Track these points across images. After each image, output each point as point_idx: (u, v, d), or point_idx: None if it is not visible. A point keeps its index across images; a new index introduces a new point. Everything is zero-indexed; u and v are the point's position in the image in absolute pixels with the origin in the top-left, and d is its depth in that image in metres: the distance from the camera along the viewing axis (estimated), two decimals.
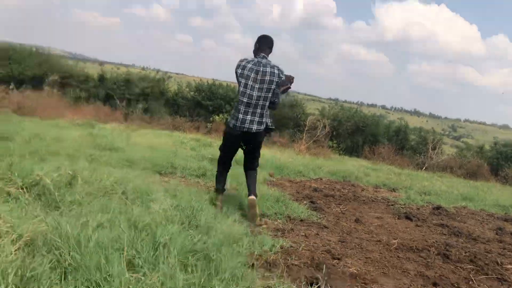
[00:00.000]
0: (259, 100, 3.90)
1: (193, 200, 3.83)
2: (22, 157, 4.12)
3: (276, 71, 3.90)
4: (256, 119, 3.94)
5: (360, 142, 18.46)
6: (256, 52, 4.04)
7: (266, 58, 3.98)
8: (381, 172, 13.17)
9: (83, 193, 3.31)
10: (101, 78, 15.57)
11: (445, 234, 4.72)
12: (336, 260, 3.24)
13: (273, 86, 3.89)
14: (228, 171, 4.48)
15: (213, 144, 10.59)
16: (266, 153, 12.15)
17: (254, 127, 3.95)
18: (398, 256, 3.63)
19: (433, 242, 4.21)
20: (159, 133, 11.85)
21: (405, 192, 8.11)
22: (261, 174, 7.31)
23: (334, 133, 18.39)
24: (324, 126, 17.18)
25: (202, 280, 2.27)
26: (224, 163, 4.41)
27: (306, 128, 17.07)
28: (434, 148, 18.49)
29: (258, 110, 3.93)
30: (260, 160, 8.34)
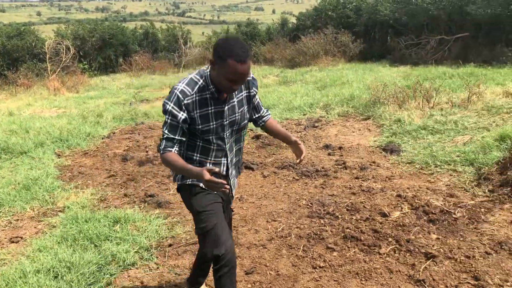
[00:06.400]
0: None
1: None
2: None
3: None
4: None
5: (113, 56, 16.84)
6: None
7: None
8: (146, 89, 12.50)
9: None
10: None
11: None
12: None
13: None
14: None
15: None
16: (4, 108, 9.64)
17: None
18: None
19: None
20: None
21: None
22: (45, 157, 5.68)
23: (81, 53, 16.13)
24: (68, 48, 14.91)
25: None
26: None
27: (48, 56, 14.48)
28: (185, 43, 18.61)
29: None
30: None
